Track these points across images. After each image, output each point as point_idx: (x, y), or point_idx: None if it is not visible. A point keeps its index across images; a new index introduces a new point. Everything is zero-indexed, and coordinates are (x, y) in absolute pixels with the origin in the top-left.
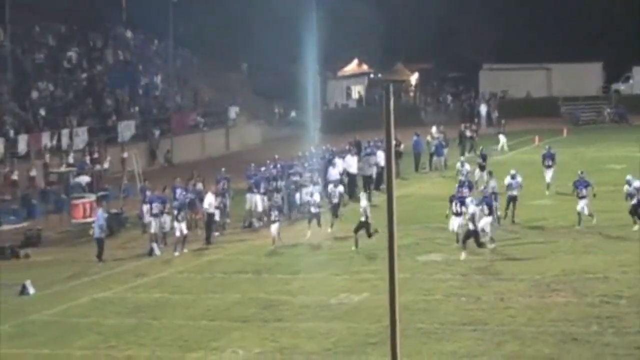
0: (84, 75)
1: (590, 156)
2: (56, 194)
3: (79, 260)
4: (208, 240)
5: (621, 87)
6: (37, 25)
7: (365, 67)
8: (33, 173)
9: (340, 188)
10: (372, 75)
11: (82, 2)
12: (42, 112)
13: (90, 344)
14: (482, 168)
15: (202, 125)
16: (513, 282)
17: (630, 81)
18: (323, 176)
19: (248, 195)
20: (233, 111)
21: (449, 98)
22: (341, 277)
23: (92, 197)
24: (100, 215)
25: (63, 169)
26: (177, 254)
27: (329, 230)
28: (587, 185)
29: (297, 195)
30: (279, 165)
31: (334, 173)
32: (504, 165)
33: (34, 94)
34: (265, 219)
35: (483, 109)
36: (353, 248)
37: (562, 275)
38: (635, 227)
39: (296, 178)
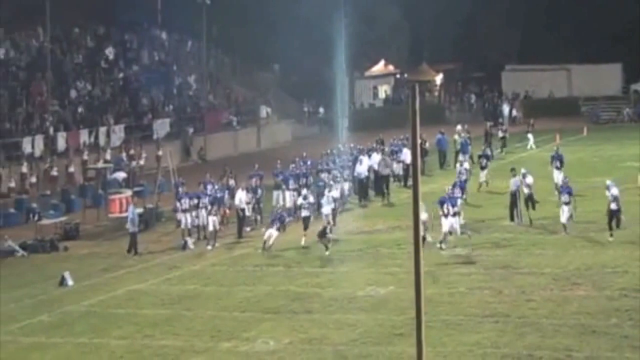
0: (121, 75)
1: (609, 154)
2: (94, 189)
3: (116, 253)
4: (239, 234)
5: None
6: (76, 26)
7: (391, 67)
8: (72, 169)
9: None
10: (398, 76)
11: (119, 4)
12: (81, 110)
13: (127, 334)
14: (483, 168)
15: (234, 124)
16: (534, 276)
17: None
18: (351, 173)
19: (275, 193)
20: (264, 110)
21: (473, 98)
22: (368, 271)
23: (128, 193)
24: (131, 210)
25: (100, 165)
26: (209, 247)
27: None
28: (570, 192)
29: (326, 192)
30: (308, 162)
31: (361, 170)
32: (524, 163)
33: (73, 93)
34: (295, 214)
35: (506, 108)
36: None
37: (582, 270)
38: (611, 239)
39: (325, 175)
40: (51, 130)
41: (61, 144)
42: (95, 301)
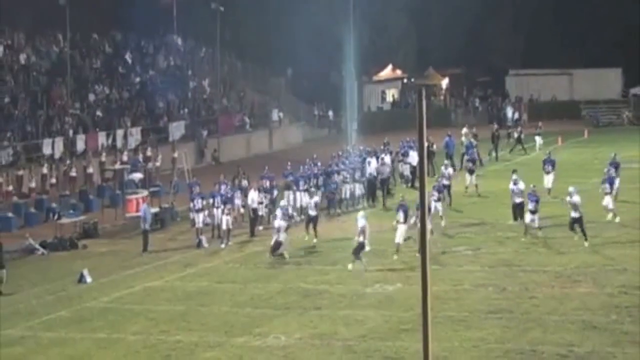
0: (138, 79)
1: (609, 156)
2: (111, 190)
3: (133, 251)
4: (252, 233)
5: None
6: (94, 33)
7: (399, 72)
8: (90, 170)
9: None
10: (405, 80)
11: (136, 11)
12: (99, 113)
13: (143, 329)
14: (470, 172)
15: (247, 126)
16: (537, 274)
17: None
18: (360, 174)
19: (285, 193)
20: (276, 113)
21: (477, 101)
22: (376, 269)
23: (145, 193)
24: (144, 210)
25: (118, 166)
26: (223, 246)
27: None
28: (537, 200)
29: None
30: (318, 164)
31: (370, 171)
32: (529, 165)
33: (91, 97)
34: (303, 215)
35: (509, 111)
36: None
37: (583, 267)
38: (576, 237)
39: (335, 175)
40: (70, 132)
41: (80, 145)
42: (112, 297)
